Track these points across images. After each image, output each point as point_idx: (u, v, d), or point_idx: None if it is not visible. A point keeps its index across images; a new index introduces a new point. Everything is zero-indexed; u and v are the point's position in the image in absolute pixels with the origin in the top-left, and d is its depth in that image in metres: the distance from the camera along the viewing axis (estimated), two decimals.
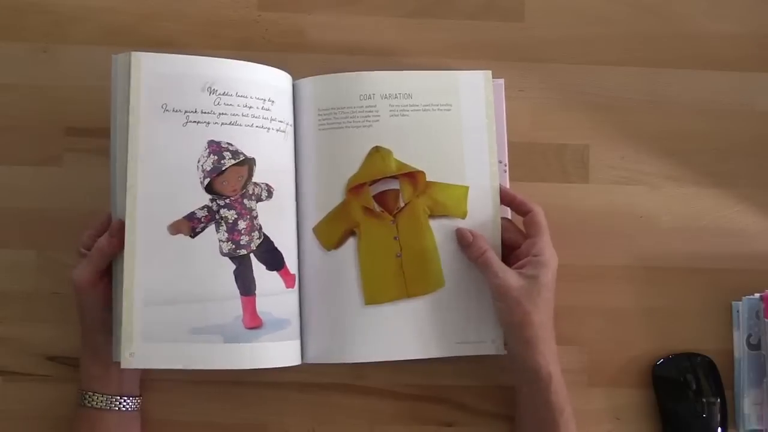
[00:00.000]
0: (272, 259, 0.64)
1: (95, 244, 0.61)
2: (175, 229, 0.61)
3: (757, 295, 0.70)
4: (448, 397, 0.70)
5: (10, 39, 0.72)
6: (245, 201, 0.63)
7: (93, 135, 0.71)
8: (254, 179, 0.64)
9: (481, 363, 0.66)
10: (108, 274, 0.62)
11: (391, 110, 0.66)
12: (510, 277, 0.62)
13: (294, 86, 0.67)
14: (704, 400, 0.69)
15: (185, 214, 0.62)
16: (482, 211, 0.66)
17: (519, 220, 0.67)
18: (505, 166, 0.69)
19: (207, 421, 0.68)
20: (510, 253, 0.66)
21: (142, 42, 0.72)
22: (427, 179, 0.66)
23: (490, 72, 0.68)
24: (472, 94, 0.67)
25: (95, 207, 0.70)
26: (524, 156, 0.71)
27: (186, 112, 0.62)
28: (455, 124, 0.66)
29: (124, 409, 0.63)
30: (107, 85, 0.70)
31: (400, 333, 0.65)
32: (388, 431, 0.69)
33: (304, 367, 0.64)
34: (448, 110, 0.67)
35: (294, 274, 0.65)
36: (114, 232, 0.60)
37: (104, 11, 0.72)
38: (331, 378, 0.69)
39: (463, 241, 0.64)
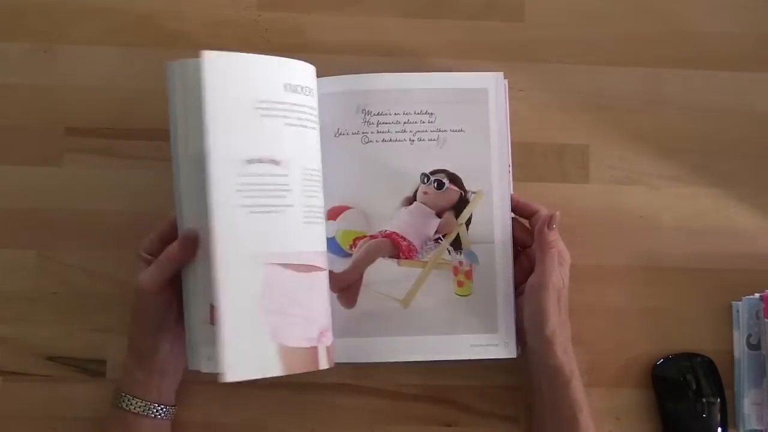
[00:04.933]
0: None
1: (166, 251, 0.60)
2: None
3: (757, 295, 0.70)
4: (448, 397, 0.70)
5: (10, 39, 0.72)
6: None
7: (93, 135, 0.71)
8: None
9: (482, 363, 0.66)
10: (173, 280, 0.61)
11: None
12: (557, 276, 0.62)
13: None
14: (704, 400, 0.69)
15: None
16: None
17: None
18: (509, 167, 0.69)
19: (207, 421, 0.69)
20: (520, 252, 0.66)
21: (142, 42, 0.72)
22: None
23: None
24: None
25: (95, 207, 0.70)
26: (524, 156, 0.71)
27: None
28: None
29: (159, 416, 0.63)
30: (107, 85, 0.71)
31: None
32: (388, 431, 0.69)
33: None
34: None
35: None
36: (185, 242, 0.60)
37: (104, 11, 0.72)
38: (331, 378, 0.69)
39: (551, 224, 0.62)
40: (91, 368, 0.69)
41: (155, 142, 0.69)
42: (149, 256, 0.62)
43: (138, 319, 0.62)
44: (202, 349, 0.61)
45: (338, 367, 0.67)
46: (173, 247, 0.60)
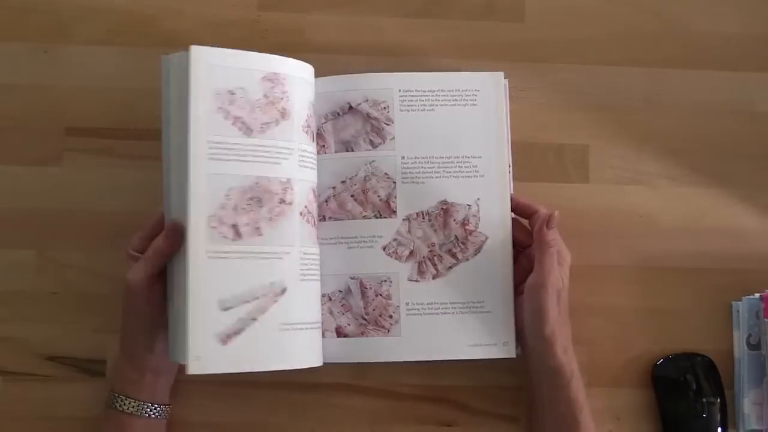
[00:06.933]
0: None
1: (152, 245, 0.60)
2: None
3: (757, 295, 0.70)
4: (447, 397, 0.70)
5: (10, 39, 0.72)
6: None
7: (93, 135, 0.71)
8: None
9: (481, 363, 0.66)
10: (161, 276, 0.61)
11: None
12: (556, 276, 0.62)
13: None
14: (704, 400, 0.69)
15: None
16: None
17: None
18: (509, 167, 0.69)
19: (207, 421, 0.69)
20: (519, 252, 0.66)
21: (142, 42, 0.72)
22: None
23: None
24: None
25: (95, 207, 0.70)
26: (524, 156, 0.71)
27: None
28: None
29: (153, 416, 0.63)
30: (107, 85, 0.71)
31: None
32: (388, 431, 0.69)
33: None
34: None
35: None
36: (170, 233, 0.60)
37: (104, 11, 0.72)
38: (331, 378, 0.69)
39: (550, 224, 0.62)
40: (91, 368, 0.69)
41: (155, 142, 0.69)
42: (137, 254, 0.61)
43: (129, 317, 0.62)
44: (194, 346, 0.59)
45: (338, 367, 0.67)
46: (158, 240, 0.60)
